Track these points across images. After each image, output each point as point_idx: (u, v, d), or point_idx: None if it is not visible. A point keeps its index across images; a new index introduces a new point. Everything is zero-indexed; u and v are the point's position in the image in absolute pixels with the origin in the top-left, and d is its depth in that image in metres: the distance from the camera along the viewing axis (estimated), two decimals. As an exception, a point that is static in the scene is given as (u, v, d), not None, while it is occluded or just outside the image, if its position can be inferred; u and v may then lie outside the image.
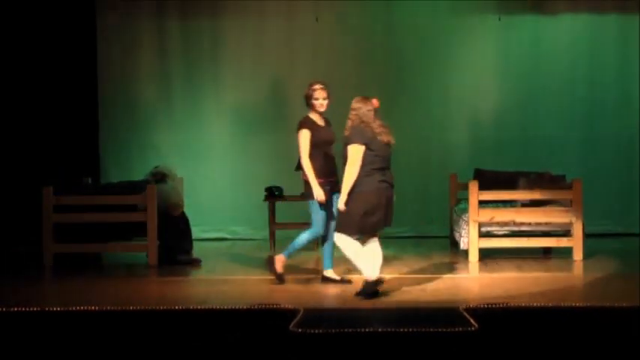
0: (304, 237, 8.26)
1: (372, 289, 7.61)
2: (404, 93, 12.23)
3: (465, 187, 10.32)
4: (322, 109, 8.26)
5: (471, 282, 8.84)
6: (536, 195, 10.05)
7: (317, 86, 8.30)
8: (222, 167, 12.35)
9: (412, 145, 11.92)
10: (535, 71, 12.36)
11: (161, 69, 12.40)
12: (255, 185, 11.55)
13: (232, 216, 12.21)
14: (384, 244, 8.05)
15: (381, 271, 7.88)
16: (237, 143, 12.32)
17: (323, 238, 8.37)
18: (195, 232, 10.75)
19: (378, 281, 7.65)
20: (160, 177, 10.29)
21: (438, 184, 11.83)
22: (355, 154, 7.56)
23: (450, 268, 9.59)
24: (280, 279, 8.35)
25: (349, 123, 7.72)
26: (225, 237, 12.29)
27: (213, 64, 12.42)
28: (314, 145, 8.17)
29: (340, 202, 7.63)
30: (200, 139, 12.35)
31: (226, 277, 9.03)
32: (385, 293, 7.78)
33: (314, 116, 8.29)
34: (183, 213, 10.32)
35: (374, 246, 7.79)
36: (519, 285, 8.28)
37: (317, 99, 8.23)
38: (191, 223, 10.41)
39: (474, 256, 9.87)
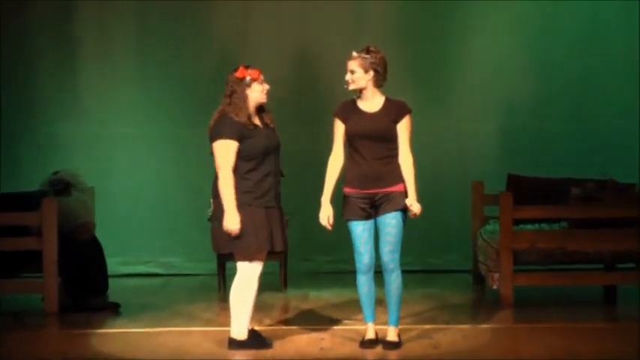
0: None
1: None
2: (409, 70, 12.23)
3: (495, 201, 10.34)
4: (349, 88, 7.89)
5: (503, 335, 8.85)
6: (594, 212, 10.08)
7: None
8: (149, 173, 12.38)
9: (419, 141, 11.86)
10: (591, 45, 12.48)
11: (65, 40, 12.43)
12: (195, 198, 11.51)
13: (164, 242, 12.26)
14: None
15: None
16: (168, 140, 12.39)
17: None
18: (112, 264, 10.73)
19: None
20: (61, 186, 10.28)
21: (457, 196, 11.86)
22: None
23: (474, 314, 9.68)
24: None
25: None
26: (154, 272, 12.33)
27: (136, 33, 12.47)
28: (348, 140, 7.92)
29: None
30: (117, 134, 12.41)
31: (157, 328, 9.00)
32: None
33: (359, 99, 7.97)
34: (94, 237, 10.28)
35: None
36: (570, 340, 8.31)
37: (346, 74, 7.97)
38: (106, 251, 10.36)
39: (507, 299, 9.88)
